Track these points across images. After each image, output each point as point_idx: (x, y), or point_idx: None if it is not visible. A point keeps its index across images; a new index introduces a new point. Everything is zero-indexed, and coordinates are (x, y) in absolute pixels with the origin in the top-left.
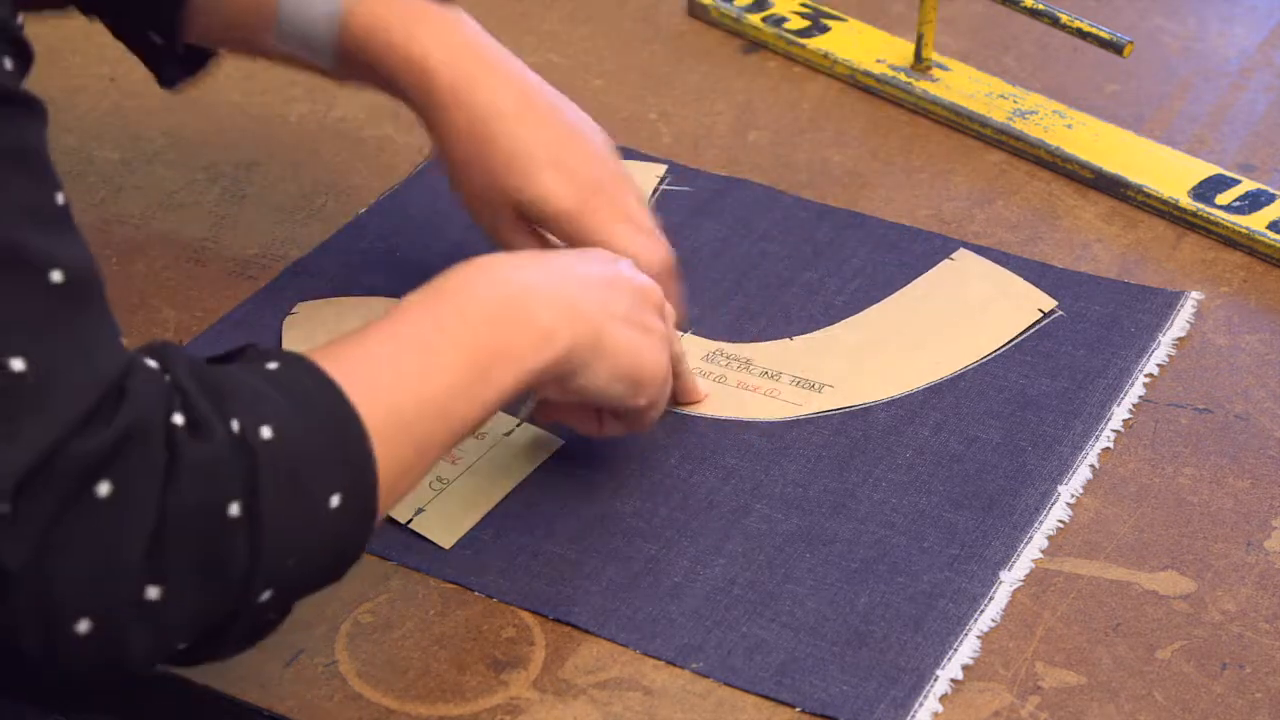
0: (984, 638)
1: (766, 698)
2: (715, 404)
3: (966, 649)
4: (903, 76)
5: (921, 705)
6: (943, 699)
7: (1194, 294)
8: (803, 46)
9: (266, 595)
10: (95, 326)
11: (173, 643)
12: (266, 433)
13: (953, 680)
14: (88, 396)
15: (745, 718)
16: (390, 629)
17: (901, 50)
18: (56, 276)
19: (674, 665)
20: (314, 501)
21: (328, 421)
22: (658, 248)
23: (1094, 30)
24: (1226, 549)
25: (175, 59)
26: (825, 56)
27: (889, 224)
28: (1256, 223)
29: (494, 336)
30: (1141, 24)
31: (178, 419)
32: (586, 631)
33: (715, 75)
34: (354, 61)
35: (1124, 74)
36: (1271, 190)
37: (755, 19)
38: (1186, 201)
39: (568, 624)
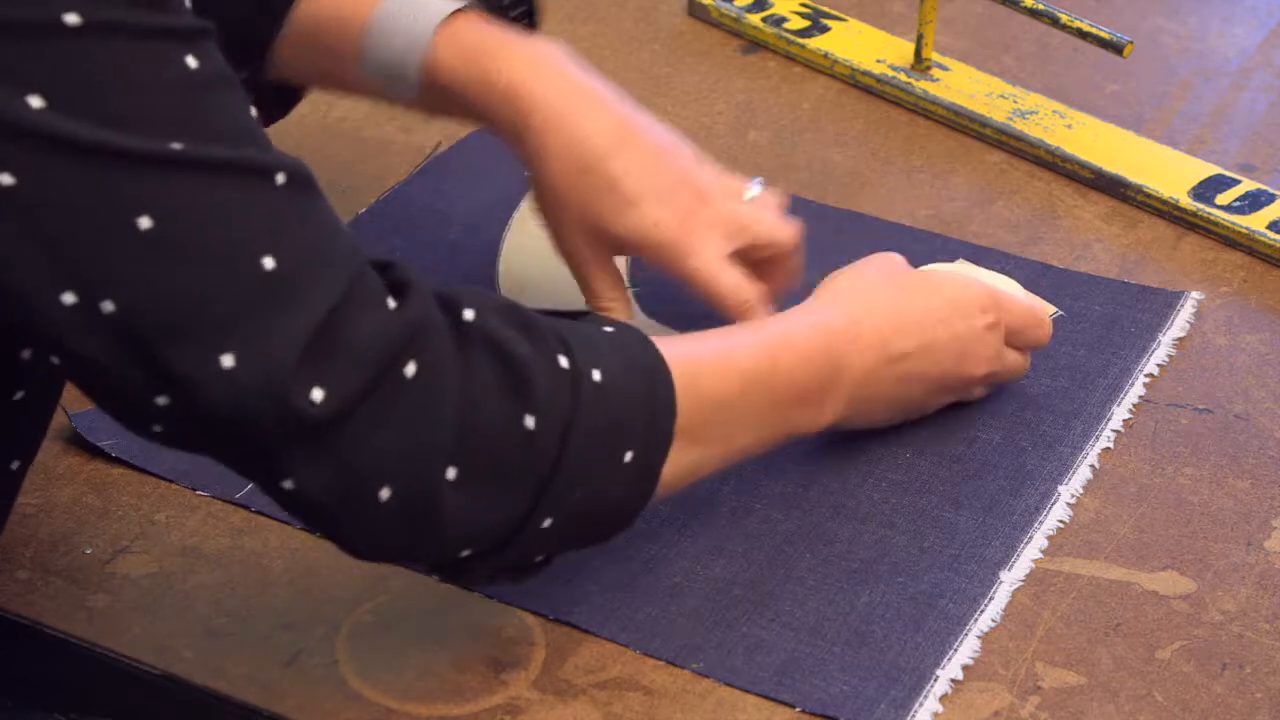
0: (984, 638)
1: (766, 698)
2: None
3: (966, 649)
4: (903, 76)
5: (921, 705)
6: (943, 699)
7: (1194, 294)
8: (803, 46)
9: (548, 522)
10: (326, 217)
11: (458, 538)
12: (596, 375)
13: (953, 680)
14: (340, 277)
15: (745, 718)
16: (390, 629)
17: (901, 50)
18: (280, 179)
19: (674, 665)
20: (613, 447)
21: (644, 388)
22: (736, 286)
23: (1094, 30)
24: (1226, 549)
25: (266, 96)
26: (825, 56)
27: (889, 224)
28: (1256, 223)
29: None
30: (1141, 24)
31: (470, 316)
32: (586, 631)
33: (715, 75)
34: (442, 93)
35: (1124, 74)
36: (1271, 190)
37: (755, 19)
38: (1186, 201)
39: (568, 624)
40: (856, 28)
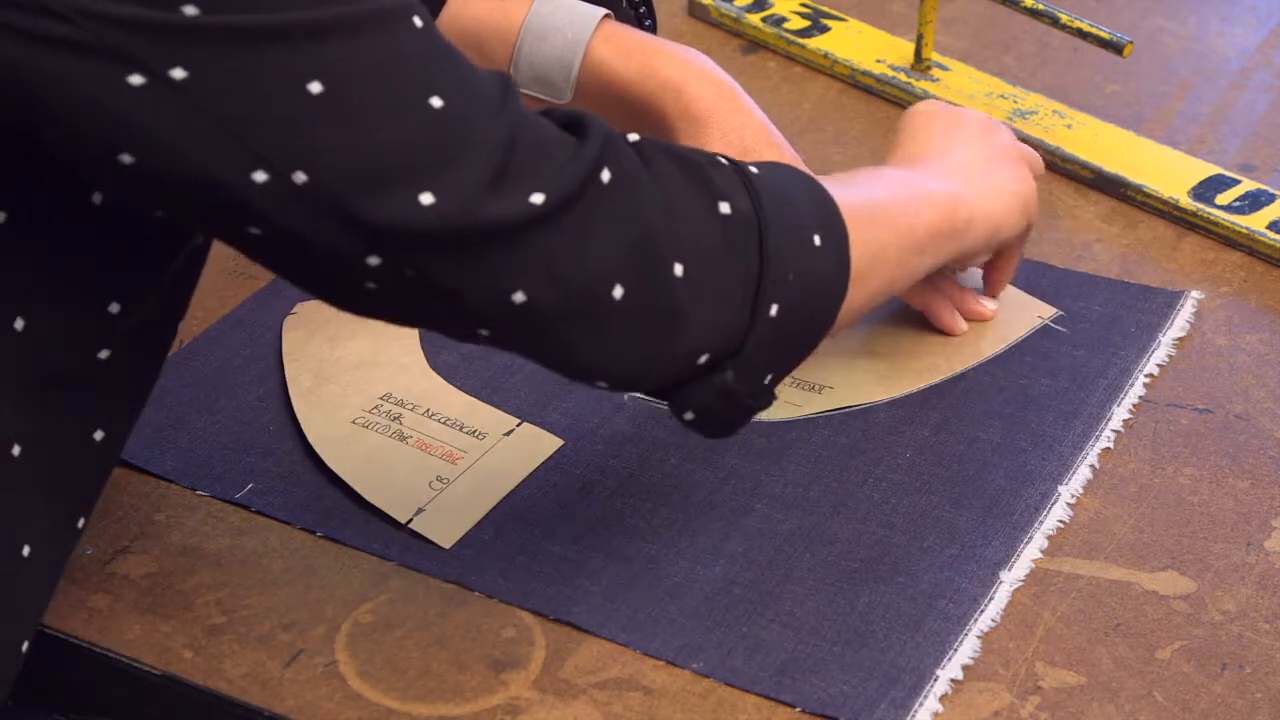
0: (984, 638)
1: (766, 698)
2: None
3: (966, 649)
4: (903, 76)
5: (921, 705)
6: (943, 699)
7: (1194, 294)
8: (803, 46)
9: (774, 309)
10: (457, 51)
11: (698, 336)
12: (753, 169)
13: (953, 680)
14: (500, 102)
15: (745, 718)
16: (390, 629)
17: (901, 50)
18: (416, 21)
19: (674, 665)
20: (800, 229)
21: (805, 186)
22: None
23: (1094, 30)
24: (1226, 549)
25: None
26: (825, 56)
27: None
28: (1256, 223)
29: (909, 215)
30: (1141, 24)
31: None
32: (586, 631)
33: None
34: (602, 88)
35: (1124, 74)
36: (1271, 190)
37: (755, 19)
38: (1186, 201)
39: (568, 624)
40: (856, 28)
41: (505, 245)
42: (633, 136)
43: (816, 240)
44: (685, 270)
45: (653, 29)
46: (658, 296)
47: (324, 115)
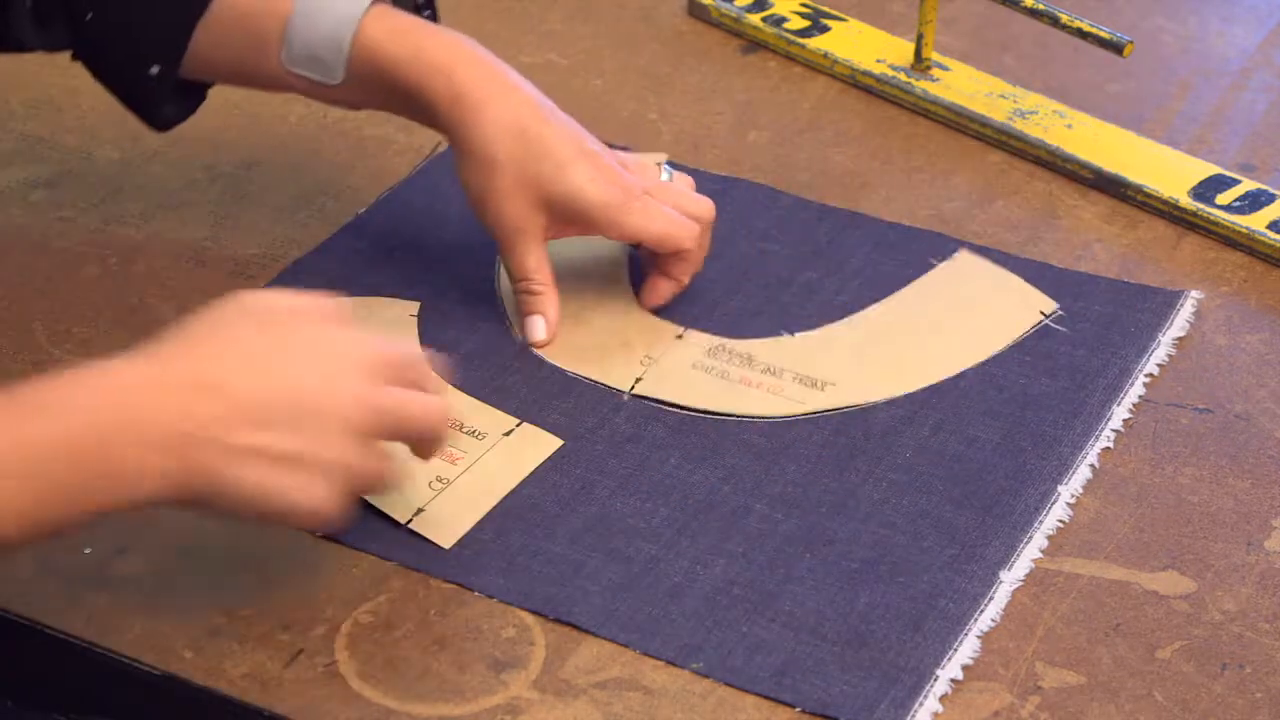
0: (984, 638)
1: (766, 698)
2: (717, 399)
3: (966, 649)
4: (903, 76)
5: (921, 705)
6: (943, 699)
7: (1194, 294)
8: (803, 46)
9: None
10: None
11: None
12: None
13: (953, 680)
14: None
15: (745, 718)
16: (390, 629)
17: (901, 50)
18: None
19: (674, 665)
20: None
21: None
22: (685, 226)
23: (1094, 30)
24: (1226, 549)
25: (171, 96)
26: (825, 56)
27: (889, 224)
28: (1256, 223)
29: (70, 473)
30: (1141, 24)
31: None
32: (586, 631)
33: (715, 75)
34: (371, 69)
35: (1124, 74)
36: (1271, 190)
37: (755, 19)
38: (1186, 201)
39: (568, 624)
40: (856, 28)
41: None
42: None
43: None
44: None
45: (432, 19)
46: None
47: None
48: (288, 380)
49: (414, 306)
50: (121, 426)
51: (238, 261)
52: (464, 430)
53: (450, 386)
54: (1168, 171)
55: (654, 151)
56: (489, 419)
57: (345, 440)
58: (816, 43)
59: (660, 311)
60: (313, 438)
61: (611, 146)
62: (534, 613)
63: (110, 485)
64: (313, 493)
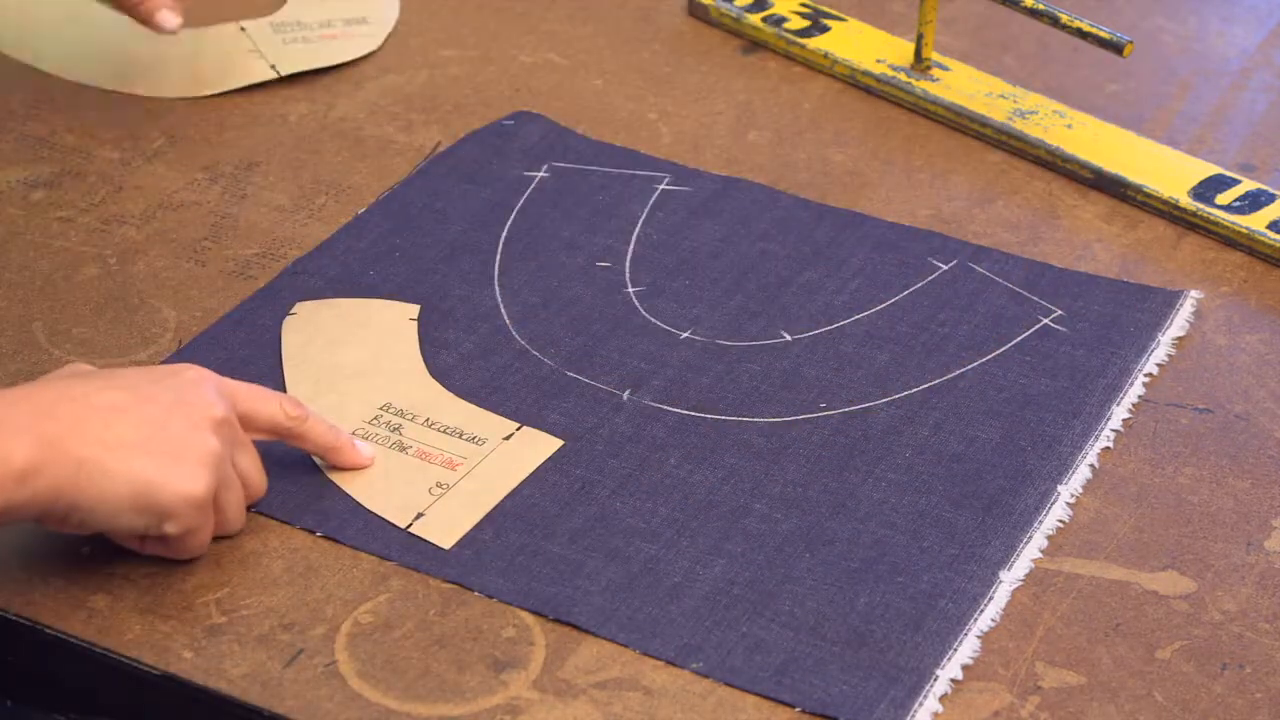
0: (984, 638)
1: (766, 698)
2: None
3: (966, 649)
4: (903, 76)
5: (921, 705)
6: (943, 699)
7: (1194, 294)
8: (803, 46)
9: None
10: None
11: None
12: None
13: (953, 680)
14: None
15: (745, 718)
16: (390, 629)
17: (901, 50)
18: None
19: (674, 665)
20: None
21: None
22: None
23: (1094, 30)
24: (1226, 549)
25: None
26: (825, 56)
27: (889, 224)
28: (1256, 223)
29: None
30: (1141, 24)
31: None
32: (586, 631)
33: (715, 75)
34: None
35: (1124, 74)
36: (1271, 190)
37: (755, 19)
38: (1186, 201)
39: (568, 624)
40: (856, 28)
41: None
42: None
43: None
44: None
45: None
46: None
47: None
48: (141, 393)
49: (413, 310)
50: None
51: (237, 261)
52: (463, 437)
53: (448, 393)
54: (1168, 171)
55: (652, 153)
56: (488, 424)
57: (207, 429)
58: (816, 43)
59: (657, 317)
60: (177, 429)
61: (612, 146)
62: (534, 613)
63: None
64: (190, 483)
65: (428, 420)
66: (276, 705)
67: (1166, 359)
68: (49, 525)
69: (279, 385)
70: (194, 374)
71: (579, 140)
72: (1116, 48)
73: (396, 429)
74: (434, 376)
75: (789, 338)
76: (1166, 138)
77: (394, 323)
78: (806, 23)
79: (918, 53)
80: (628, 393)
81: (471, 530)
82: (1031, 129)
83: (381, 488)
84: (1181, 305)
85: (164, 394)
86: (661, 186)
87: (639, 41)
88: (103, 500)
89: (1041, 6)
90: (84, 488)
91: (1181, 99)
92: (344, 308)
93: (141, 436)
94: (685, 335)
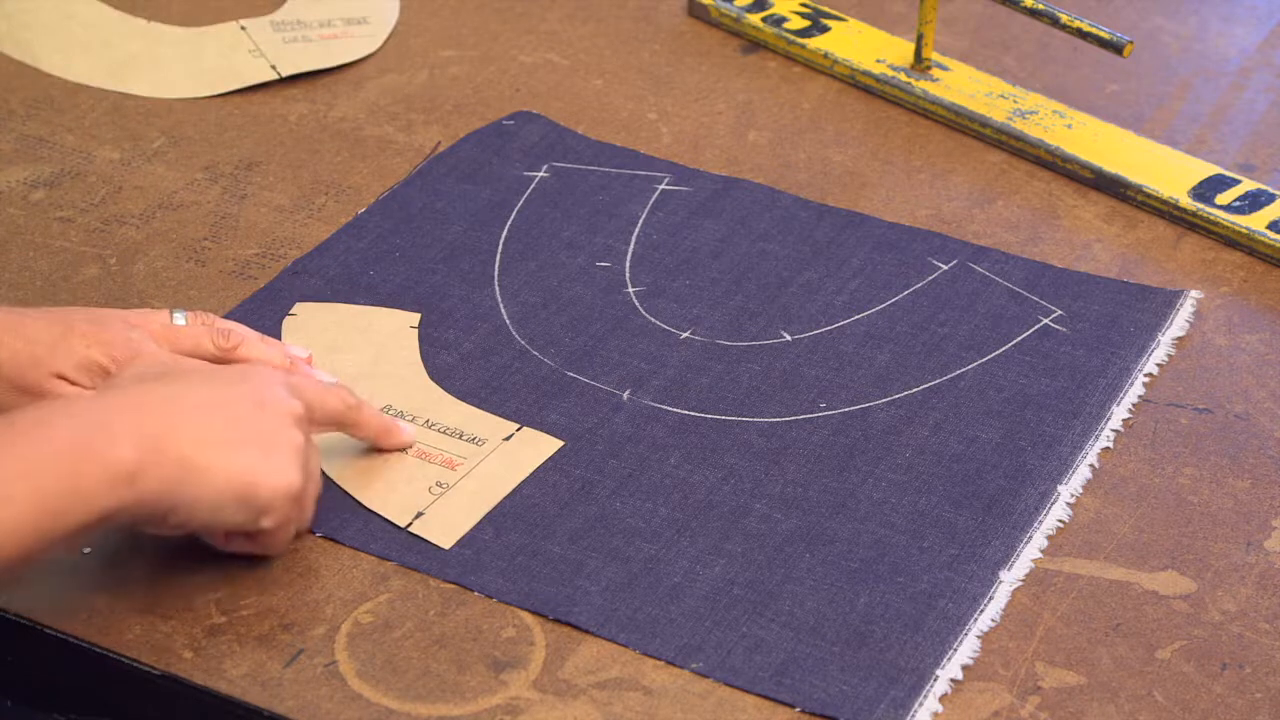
0: (984, 638)
1: (766, 698)
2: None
3: (966, 649)
4: (903, 76)
5: (921, 705)
6: (943, 699)
7: (1194, 293)
8: (803, 46)
9: None
10: None
11: None
12: None
13: (953, 680)
14: None
15: (745, 718)
16: (390, 629)
17: (901, 50)
18: None
19: (674, 665)
20: None
21: None
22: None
23: (1094, 30)
24: (1226, 549)
25: None
26: (825, 56)
27: (889, 224)
28: (1256, 223)
29: (63, 478)
30: (1141, 24)
31: None
32: (586, 631)
33: (715, 75)
34: None
35: (1124, 74)
36: (1271, 190)
37: (755, 19)
38: (1186, 201)
39: (568, 624)
40: (856, 28)
41: None
42: None
43: None
44: None
45: None
46: None
47: None
48: (225, 391)
49: (414, 318)
50: (102, 434)
51: (237, 261)
52: (463, 438)
53: (448, 396)
54: (1167, 171)
55: (652, 153)
56: (488, 425)
57: (291, 424)
58: (816, 43)
59: (657, 317)
60: (266, 426)
61: (612, 146)
62: (534, 613)
63: (103, 482)
64: (282, 477)
65: (428, 421)
66: (276, 705)
67: (1166, 359)
68: (146, 528)
69: None
70: (264, 371)
71: (579, 140)
72: (1116, 48)
73: None
74: (434, 376)
75: (789, 338)
76: (1166, 138)
77: (395, 329)
78: (806, 23)
79: (918, 53)
80: (628, 393)
81: (471, 530)
82: (1031, 129)
83: (381, 487)
84: (1181, 305)
85: (246, 391)
86: (661, 186)
87: (639, 41)
88: (205, 498)
89: (1041, 6)
90: (187, 486)
91: (1181, 99)
92: (344, 313)
93: (236, 434)
94: (685, 335)
